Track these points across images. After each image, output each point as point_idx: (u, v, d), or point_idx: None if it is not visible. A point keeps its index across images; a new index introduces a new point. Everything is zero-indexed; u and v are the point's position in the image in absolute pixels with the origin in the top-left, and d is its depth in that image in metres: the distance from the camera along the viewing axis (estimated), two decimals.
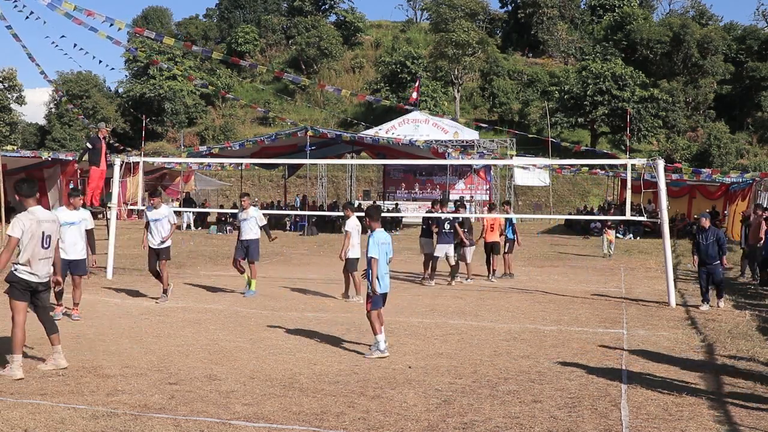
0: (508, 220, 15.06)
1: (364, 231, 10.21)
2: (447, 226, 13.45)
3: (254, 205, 13.82)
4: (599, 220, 26.06)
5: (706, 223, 11.26)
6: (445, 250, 13.48)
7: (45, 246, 6.64)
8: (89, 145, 13.93)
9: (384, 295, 7.83)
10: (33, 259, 6.55)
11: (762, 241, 13.86)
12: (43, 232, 6.64)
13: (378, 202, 33.33)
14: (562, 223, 33.70)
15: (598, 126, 49.34)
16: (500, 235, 14.73)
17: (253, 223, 12.15)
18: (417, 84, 44.64)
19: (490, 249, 14.57)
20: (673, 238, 23.28)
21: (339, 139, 31.14)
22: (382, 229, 7.90)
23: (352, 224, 11.59)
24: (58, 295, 9.36)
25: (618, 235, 24.44)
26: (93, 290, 12.11)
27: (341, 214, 14.57)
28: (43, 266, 6.66)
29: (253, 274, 12.07)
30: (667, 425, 5.49)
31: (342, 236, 12.42)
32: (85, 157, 14.03)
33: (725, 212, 28.64)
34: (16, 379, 6.37)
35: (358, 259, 11.47)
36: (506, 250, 14.98)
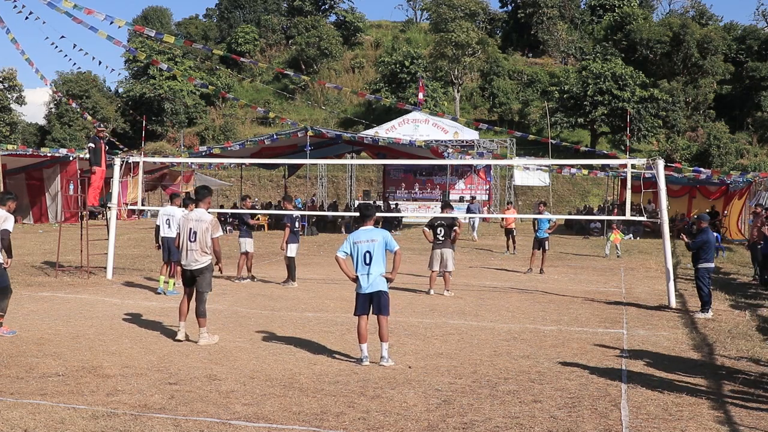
0: (544, 220, 16.16)
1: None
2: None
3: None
4: (599, 220, 26.05)
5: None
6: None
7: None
8: (92, 145, 13.99)
9: (363, 296, 7.21)
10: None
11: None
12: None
13: (378, 203, 33.33)
14: (562, 223, 33.65)
15: (598, 126, 49.30)
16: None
17: None
18: (421, 85, 44.58)
19: None
20: (673, 238, 23.25)
21: (339, 139, 31.12)
22: (369, 227, 7.38)
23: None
24: None
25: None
26: (93, 290, 12.13)
27: (342, 213, 14.66)
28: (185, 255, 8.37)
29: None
30: (667, 425, 5.49)
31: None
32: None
33: (725, 212, 28.64)
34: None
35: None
36: (546, 248, 16.12)
